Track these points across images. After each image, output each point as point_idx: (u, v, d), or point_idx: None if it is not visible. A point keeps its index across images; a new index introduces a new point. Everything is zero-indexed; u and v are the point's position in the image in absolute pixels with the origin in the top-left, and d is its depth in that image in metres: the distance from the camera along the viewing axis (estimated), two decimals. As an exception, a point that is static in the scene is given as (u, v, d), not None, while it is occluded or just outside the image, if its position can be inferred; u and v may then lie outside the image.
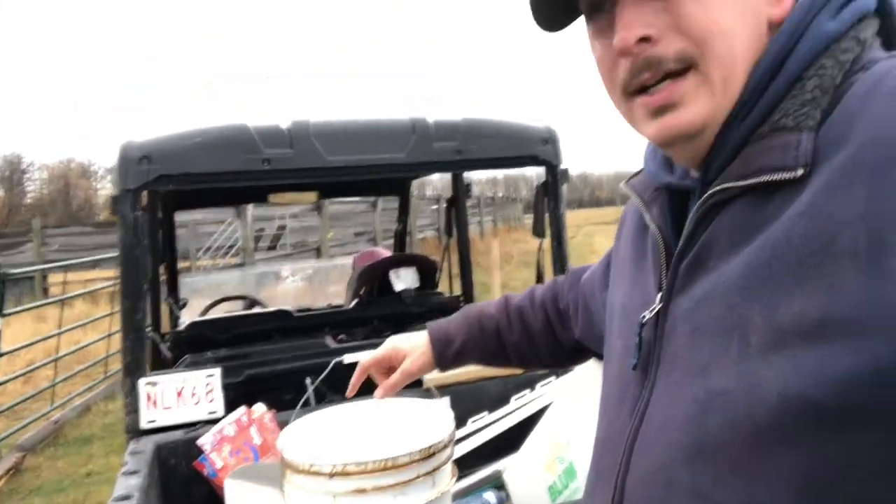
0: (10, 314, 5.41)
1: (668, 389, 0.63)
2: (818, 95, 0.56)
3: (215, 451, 1.83)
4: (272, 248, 15.97)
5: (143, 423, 1.88)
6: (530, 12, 0.68)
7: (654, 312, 0.67)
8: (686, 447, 0.58)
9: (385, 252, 3.65)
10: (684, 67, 0.60)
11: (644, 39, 0.60)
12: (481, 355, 1.14)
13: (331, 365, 1.45)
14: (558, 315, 1.11)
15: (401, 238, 3.89)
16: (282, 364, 2.13)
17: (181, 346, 2.63)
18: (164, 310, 3.30)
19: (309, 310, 3.31)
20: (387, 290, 3.21)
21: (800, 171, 0.53)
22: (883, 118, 0.50)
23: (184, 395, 1.94)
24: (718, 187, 0.60)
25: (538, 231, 2.41)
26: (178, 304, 3.51)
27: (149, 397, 1.89)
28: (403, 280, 3.13)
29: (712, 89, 0.60)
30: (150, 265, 1.99)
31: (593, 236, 21.56)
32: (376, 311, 3.05)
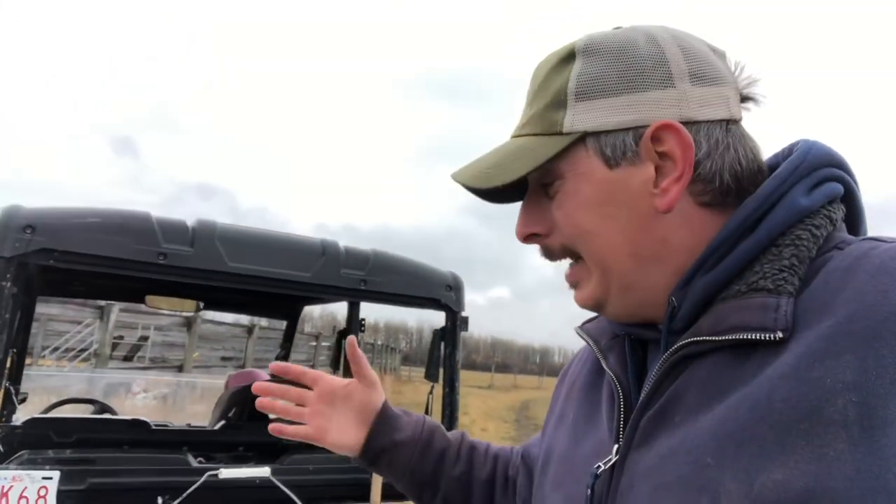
0: None
1: None
2: (796, 264, 0.58)
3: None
4: (128, 358, 14.78)
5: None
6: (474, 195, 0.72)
7: (609, 465, 0.64)
8: None
9: (262, 375, 3.48)
10: (576, 256, 0.68)
11: (535, 234, 0.69)
12: (411, 472, 0.95)
13: (203, 476, 1.32)
14: (504, 477, 0.99)
15: (284, 361, 3.73)
16: (133, 476, 1.91)
17: (14, 443, 2.31)
18: (-1, 401, 2.92)
19: (167, 425, 3.04)
20: (259, 416, 3.02)
21: (780, 334, 0.54)
22: (871, 293, 0.52)
23: (9, 497, 1.68)
24: (689, 340, 0.60)
25: (431, 375, 2.40)
26: (18, 397, 3.13)
27: (-35, 495, 1.63)
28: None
29: (596, 278, 0.66)
30: (6, 343, 1.80)
31: (467, 397, 21.54)
32: (244, 437, 2.85)
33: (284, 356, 3.72)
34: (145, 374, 11.84)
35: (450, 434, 1.01)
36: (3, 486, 1.68)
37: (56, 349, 14.12)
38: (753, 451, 0.51)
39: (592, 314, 0.80)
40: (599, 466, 0.65)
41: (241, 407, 3.05)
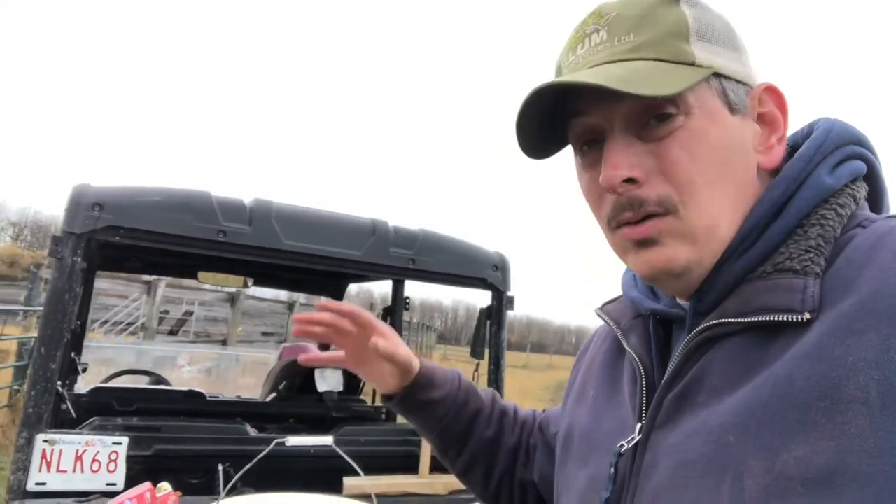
0: None
1: None
2: (822, 244, 0.57)
3: (109, 529, 1.67)
4: (173, 332, 15.22)
5: (31, 485, 1.70)
6: (517, 140, 0.66)
7: (632, 443, 0.63)
8: None
9: (314, 349, 3.58)
10: (664, 211, 0.60)
11: (630, 180, 0.60)
12: (443, 428, 0.94)
13: (272, 444, 1.39)
14: (527, 447, 0.98)
15: (327, 340, 3.83)
16: (196, 445, 2.00)
17: (80, 410, 2.43)
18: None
19: (218, 397, 3.16)
20: (308, 389, 3.11)
21: (806, 316, 0.54)
22: (894, 270, 0.52)
23: (83, 461, 1.78)
24: (715, 321, 0.59)
25: (477, 353, 2.44)
26: (81, 366, 3.27)
27: (44, 456, 1.73)
28: (328, 381, 3.05)
29: (692, 236, 0.60)
30: (75, 315, 1.89)
31: (501, 377, 21.58)
32: (294, 409, 2.94)
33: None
34: (190, 347, 12.18)
35: (482, 393, 0.99)
36: (77, 450, 1.78)
37: (105, 322, 14.59)
38: (775, 429, 0.51)
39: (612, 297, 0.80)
40: (622, 445, 0.64)
41: (291, 380, 3.14)
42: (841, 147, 0.63)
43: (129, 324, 14.60)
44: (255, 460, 1.37)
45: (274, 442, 1.40)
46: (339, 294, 3.68)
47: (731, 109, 0.61)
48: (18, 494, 1.69)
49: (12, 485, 1.70)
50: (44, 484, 1.71)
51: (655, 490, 0.59)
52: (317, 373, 3.15)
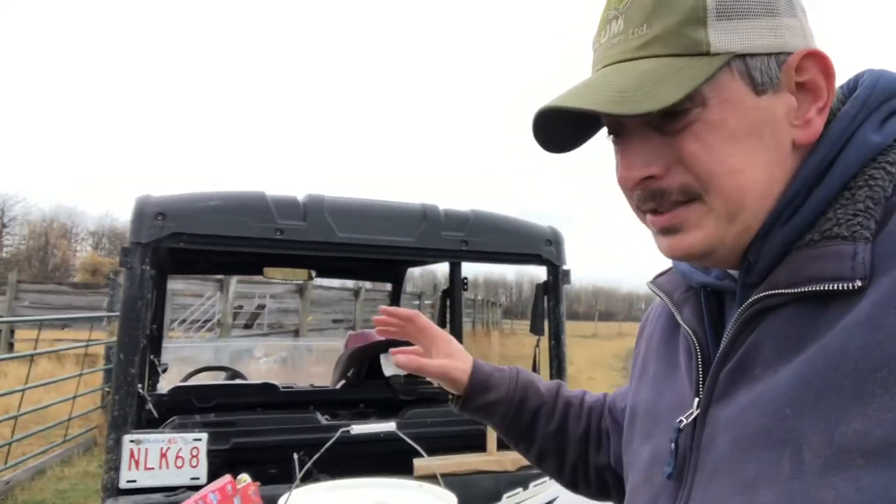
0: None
1: (707, 503, 0.59)
2: (871, 206, 0.55)
3: (196, 519, 1.76)
4: (248, 326, 15.76)
5: (123, 483, 1.81)
6: (536, 141, 0.67)
7: (691, 418, 0.63)
8: None
9: (377, 336, 3.65)
10: (689, 199, 0.60)
11: (648, 177, 0.61)
12: (507, 425, 0.99)
13: (337, 433, 1.43)
14: (598, 432, 0.99)
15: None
16: (271, 436, 2.09)
17: (163, 409, 2.56)
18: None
19: (292, 387, 3.26)
20: (376, 374, 3.19)
21: (858, 283, 0.52)
22: None
23: (168, 458, 1.88)
24: (765, 293, 0.58)
25: (537, 328, 2.45)
26: (161, 367, 3.45)
27: (132, 455, 1.84)
28: (394, 366, 3.12)
29: (717, 219, 0.59)
30: (149, 321, 1.99)
31: (571, 347, 21.52)
32: (363, 394, 3.02)
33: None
34: (265, 339, 12.60)
35: (544, 388, 1.01)
36: (161, 448, 1.89)
37: (183, 321, 15.23)
38: (832, 401, 0.51)
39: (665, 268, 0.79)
40: (681, 420, 0.64)
41: (359, 366, 3.22)
42: (889, 100, 0.60)
43: (206, 321, 15.18)
44: (321, 450, 1.43)
45: (339, 431, 1.45)
46: (398, 278, 3.74)
47: (757, 90, 0.58)
48: (112, 492, 1.80)
49: (106, 483, 1.82)
50: (134, 481, 1.83)
51: (715, 464, 0.59)
52: (382, 358, 3.23)
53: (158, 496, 1.81)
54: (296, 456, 1.98)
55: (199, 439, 1.91)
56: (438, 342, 1.01)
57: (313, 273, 3.42)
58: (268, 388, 2.87)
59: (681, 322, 0.70)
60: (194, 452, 1.90)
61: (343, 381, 3.20)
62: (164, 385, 3.34)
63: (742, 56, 0.58)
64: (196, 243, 1.97)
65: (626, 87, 0.57)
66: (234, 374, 3.70)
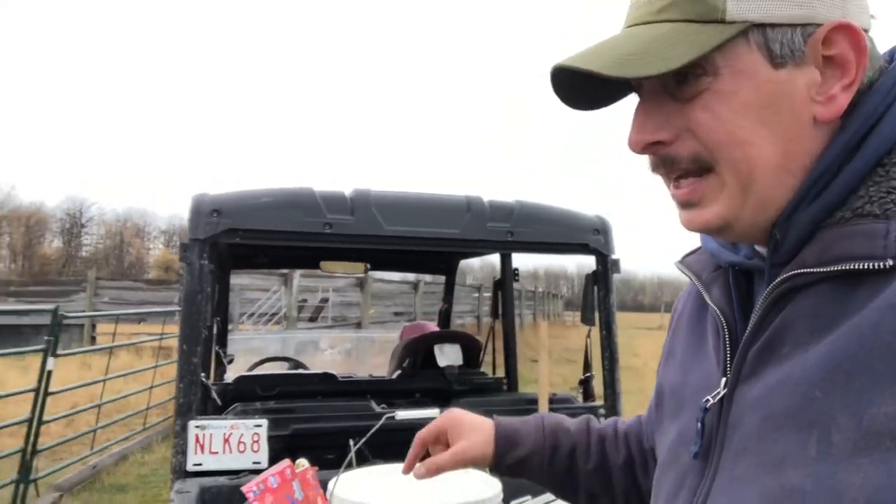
0: (60, 356, 5.58)
1: (733, 482, 0.58)
2: None
3: (258, 501, 1.86)
4: (313, 319, 16.16)
5: (190, 465, 1.93)
6: (558, 97, 0.66)
7: (718, 398, 0.63)
8: None
9: (432, 327, 3.72)
10: (701, 168, 0.60)
11: (657, 142, 0.60)
12: (546, 475, 0.96)
13: (382, 420, 1.49)
14: (642, 454, 0.95)
15: (446, 316, 3.96)
16: (327, 423, 2.17)
17: (227, 397, 2.69)
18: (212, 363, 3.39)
19: (351, 377, 3.36)
20: (430, 364, 3.25)
21: (889, 262, 0.51)
22: None
23: (231, 442, 1.99)
24: (794, 272, 0.57)
25: (587, 319, 2.45)
26: (226, 358, 3.61)
27: (197, 440, 1.95)
28: (447, 356, 3.17)
29: (730, 193, 0.59)
30: (210, 313, 2.10)
31: (635, 339, 21.17)
32: (419, 384, 3.08)
33: (447, 309, 3.93)
34: (329, 332, 12.92)
35: (574, 427, 0.98)
36: (224, 434, 1.99)
37: (251, 315, 15.76)
38: (862, 383, 0.50)
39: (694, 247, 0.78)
40: (708, 400, 0.63)
41: (414, 356, 3.29)
42: None
43: (273, 314, 15.66)
44: (367, 435, 1.49)
45: (384, 417, 1.51)
46: (451, 270, 3.79)
47: (774, 62, 0.57)
48: (181, 474, 1.92)
49: (175, 466, 1.94)
50: (200, 464, 1.94)
51: (743, 444, 0.58)
52: (436, 349, 3.28)
53: (222, 479, 1.91)
54: (351, 442, 2.05)
55: (260, 425, 2.01)
56: (450, 429, 0.98)
57: (368, 266, 3.51)
58: (326, 377, 2.97)
59: (709, 301, 0.69)
60: (255, 438, 2.00)
61: (399, 372, 3.27)
62: (231, 375, 3.49)
63: (761, 26, 0.56)
64: (250, 238, 2.06)
65: (633, 50, 0.57)
66: (297, 365, 3.84)
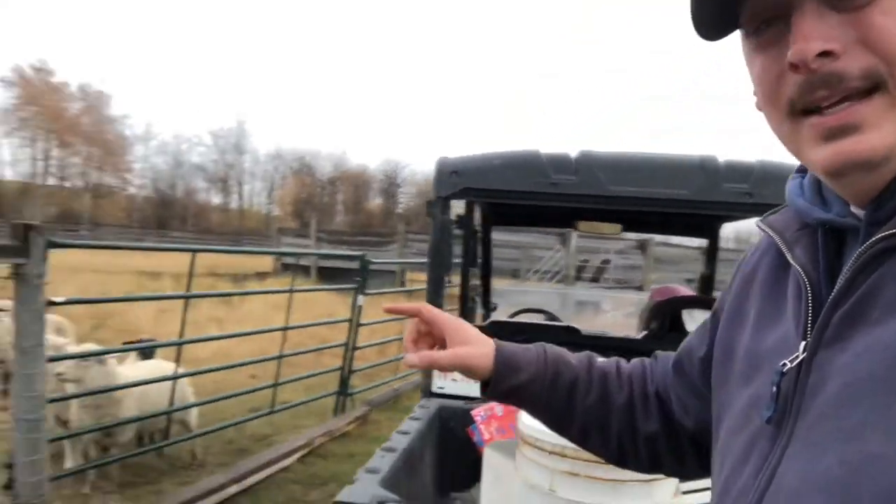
0: (369, 294, 6.65)
1: (808, 448, 0.56)
2: None
3: (484, 425, 2.15)
4: (595, 279, 16.34)
5: (434, 388, 2.29)
6: (691, 19, 0.63)
7: (796, 362, 0.60)
8: None
9: (683, 290, 3.65)
10: (870, 87, 0.53)
11: (825, 54, 0.54)
12: (542, 406, 0.92)
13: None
14: (644, 397, 0.92)
15: (707, 282, 3.83)
16: None
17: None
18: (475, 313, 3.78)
19: (601, 334, 3.49)
20: (678, 328, 3.22)
21: None
22: None
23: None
24: (890, 231, 0.54)
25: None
26: (489, 307, 3.99)
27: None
28: (696, 321, 3.11)
29: None
30: (451, 261, 2.40)
31: None
32: (663, 346, 3.09)
33: (709, 275, 3.79)
34: (608, 293, 13.00)
35: (576, 360, 0.94)
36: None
37: (537, 271, 16.51)
38: None
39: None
40: (785, 364, 0.61)
41: (661, 319, 3.29)
42: None
43: (557, 272, 16.21)
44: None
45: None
46: (712, 234, 3.64)
47: None
48: (427, 394, 2.29)
49: (423, 387, 2.32)
50: (442, 388, 2.29)
51: (821, 409, 0.57)
52: (685, 313, 3.23)
53: (459, 403, 2.24)
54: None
55: (493, 361, 2.29)
56: (451, 331, 0.92)
57: (622, 227, 3.56)
58: (570, 330, 3.15)
59: (791, 261, 0.65)
60: (489, 372, 2.29)
61: (645, 332, 3.31)
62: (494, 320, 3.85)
63: None
64: (483, 197, 2.31)
65: None
66: (551, 317, 4.07)
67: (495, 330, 3.21)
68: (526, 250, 17.04)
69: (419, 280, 11.82)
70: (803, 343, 0.60)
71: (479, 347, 0.91)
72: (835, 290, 0.59)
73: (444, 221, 2.34)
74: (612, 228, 3.61)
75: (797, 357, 0.60)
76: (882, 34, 0.52)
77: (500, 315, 4.20)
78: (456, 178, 2.31)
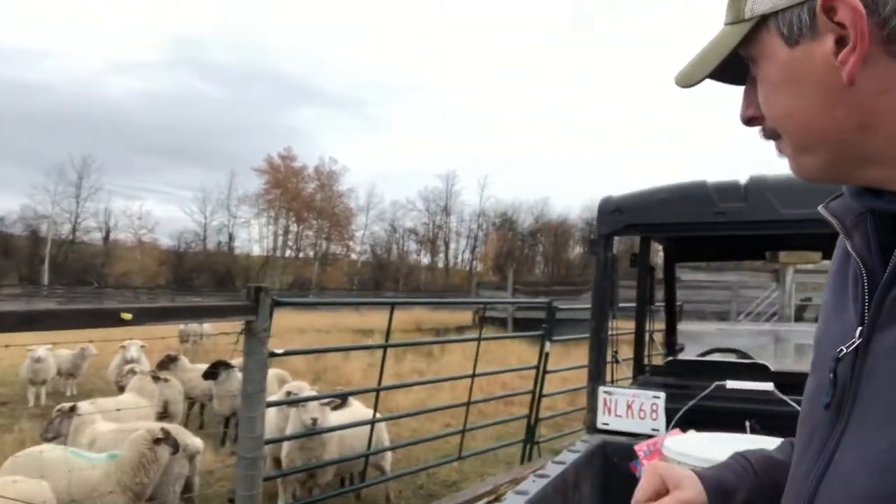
0: (556, 341, 6.66)
1: (863, 433, 0.58)
2: None
3: (648, 459, 2.10)
4: (817, 319, 14.69)
5: (599, 423, 2.29)
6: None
7: (852, 347, 0.61)
8: (879, 498, 0.54)
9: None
10: (777, 133, 0.66)
11: (753, 118, 0.67)
12: None
13: (711, 387, 1.56)
14: None
15: None
16: (725, 402, 2.25)
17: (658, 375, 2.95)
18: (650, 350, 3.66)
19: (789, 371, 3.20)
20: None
21: None
22: None
23: (633, 409, 2.27)
24: None
25: None
26: (674, 347, 3.85)
27: (605, 403, 2.30)
28: None
29: (795, 152, 0.64)
30: (616, 296, 2.41)
31: None
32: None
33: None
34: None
35: (783, 455, 0.87)
36: (627, 401, 2.29)
37: (749, 313, 15.26)
38: None
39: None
40: (841, 350, 0.62)
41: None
42: None
43: (773, 315, 14.86)
44: (693, 402, 1.59)
45: (714, 384, 1.58)
46: None
47: (789, 42, 0.61)
48: (592, 429, 2.30)
49: (587, 421, 2.33)
50: (606, 424, 2.28)
51: (874, 393, 0.58)
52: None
53: (623, 438, 2.21)
54: (748, 423, 2.11)
55: (658, 397, 2.24)
56: (671, 479, 0.84)
57: (820, 256, 3.27)
58: (758, 367, 2.94)
59: (850, 249, 0.67)
60: (654, 407, 2.24)
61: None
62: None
63: (774, 14, 0.62)
64: (647, 232, 2.31)
65: (694, 60, 0.69)
66: (743, 356, 3.80)
67: (674, 369, 3.09)
68: (736, 291, 15.89)
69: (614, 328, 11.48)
70: (860, 328, 0.62)
71: (694, 487, 0.84)
72: (886, 274, 0.60)
73: (607, 259, 2.38)
74: (812, 258, 3.33)
75: (853, 342, 0.61)
76: (762, 103, 0.66)
77: (687, 356, 4.02)
78: (619, 216, 2.34)
